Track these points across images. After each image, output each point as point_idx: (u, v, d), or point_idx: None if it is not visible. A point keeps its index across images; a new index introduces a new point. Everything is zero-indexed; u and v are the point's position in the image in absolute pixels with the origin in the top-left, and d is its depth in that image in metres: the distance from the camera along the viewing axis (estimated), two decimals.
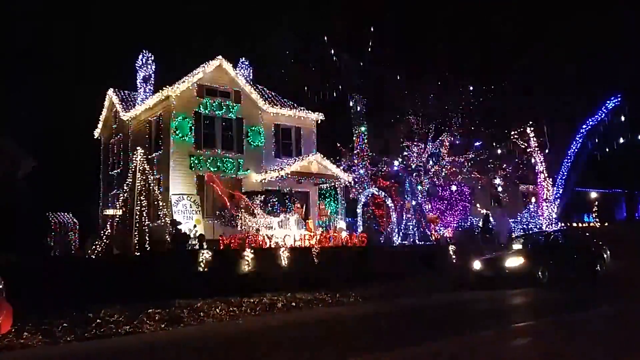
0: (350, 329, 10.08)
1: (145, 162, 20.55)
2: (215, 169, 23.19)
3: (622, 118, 28.24)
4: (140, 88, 25.92)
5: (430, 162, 28.97)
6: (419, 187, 26.90)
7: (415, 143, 28.97)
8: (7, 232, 18.85)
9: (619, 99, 28.25)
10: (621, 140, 28.81)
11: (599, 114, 28.98)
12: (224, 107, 24.03)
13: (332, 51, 23.91)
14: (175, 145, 22.63)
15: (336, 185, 25.18)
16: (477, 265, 16.98)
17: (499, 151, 29.03)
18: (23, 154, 23.06)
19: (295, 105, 27.18)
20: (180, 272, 16.21)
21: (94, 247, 20.15)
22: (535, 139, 29.98)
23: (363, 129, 24.10)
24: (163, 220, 20.12)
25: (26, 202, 23.74)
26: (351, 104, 24.23)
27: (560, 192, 29.93)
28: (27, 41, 47.20)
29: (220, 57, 24.13)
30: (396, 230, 25.30)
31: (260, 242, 18.50)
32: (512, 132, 29.25)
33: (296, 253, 18.51)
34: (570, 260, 16.58)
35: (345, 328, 10.23)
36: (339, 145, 29.97)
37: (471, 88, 27.34)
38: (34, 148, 27.27)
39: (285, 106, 26.74)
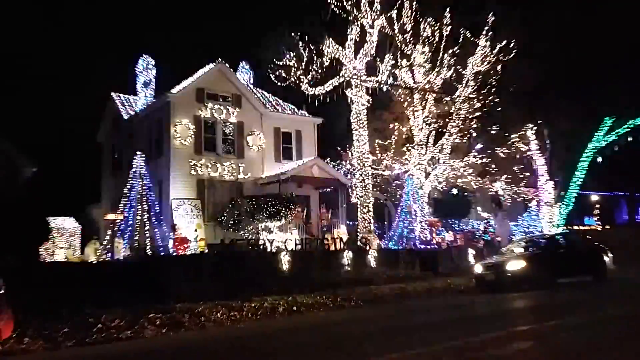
0: (352, 333, 10.03)
1: (145, 166, 20.55)
2: (216, 173, 23.19)
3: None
4: (141, 92, 25.95)
5: (431, 166, 28.89)
6: (420, 191, 26.84)
7: (415, 148, 28.88)
8: (7, 237, 18.82)
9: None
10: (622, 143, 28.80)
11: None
12: (224, 111, 24.05)
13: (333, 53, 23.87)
14: (176, 149, 22.65)
15: (337, 189, 25.16)
16: (478, 268, 16.94)
17: (500, 154, 28.94)
18: (23, 158, 23.04)
19: (296, 108, 27.17)
20: (182, 276, 16.16)
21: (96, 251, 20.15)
22: (536, 142, 29.95)
23: (364, 132, 24.16)
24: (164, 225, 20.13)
25: (26, 207, 23.71)
26: (351, 107, 24.31)
27: (562, 194, 29.91)
28: (28, 45, 47.36)
29: (220, 60, 24.17)
30: (397, 233, 25.23)
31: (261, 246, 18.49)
32: (513, 135, 29.18)
33: (297, 257, 18.47)
34: (572, 263, 16.53)
35: (347, 332, 10.18)
36: (339, 149, 29.92)
37: (470, 90, 27.32)
38: (34, 152, 27.24)
39: (285, 110, 26.74)
